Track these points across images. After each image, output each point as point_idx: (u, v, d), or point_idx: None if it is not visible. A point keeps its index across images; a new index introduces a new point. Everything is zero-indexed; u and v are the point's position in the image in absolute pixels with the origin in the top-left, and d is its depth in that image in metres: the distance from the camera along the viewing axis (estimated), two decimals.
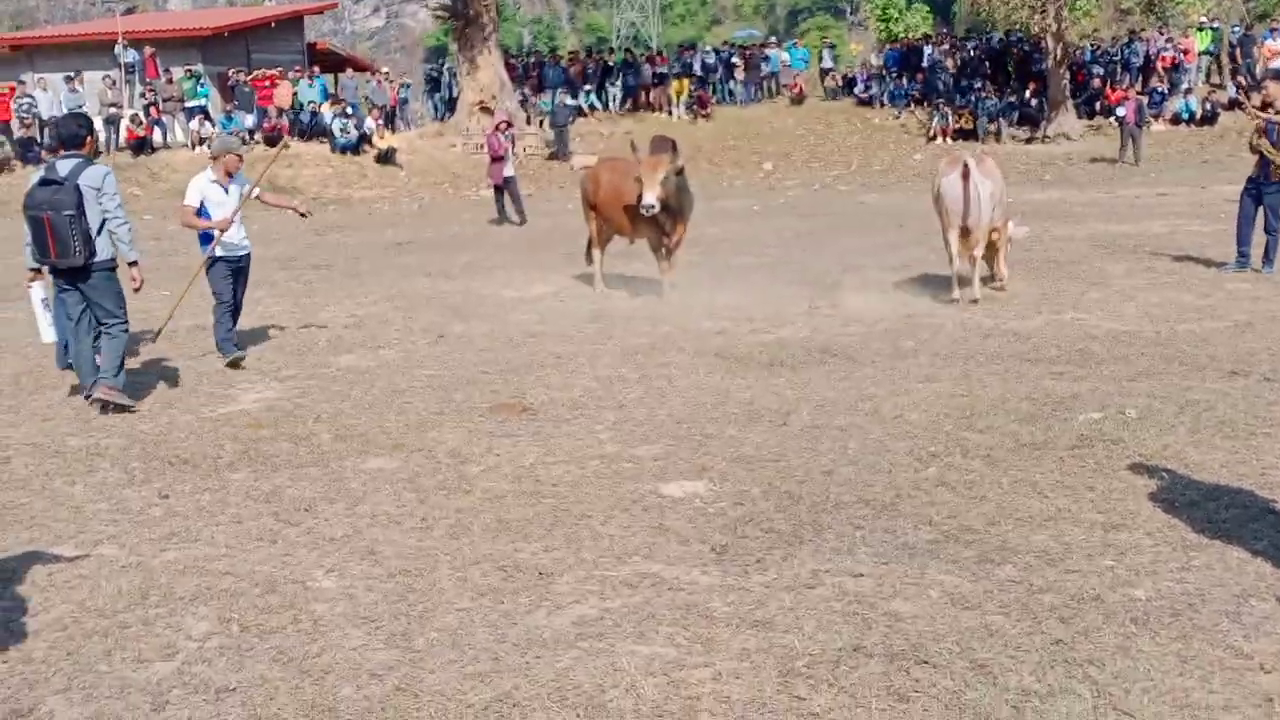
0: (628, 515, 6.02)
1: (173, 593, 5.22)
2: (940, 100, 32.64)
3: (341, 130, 29.96)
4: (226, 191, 9.71)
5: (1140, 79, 32.18)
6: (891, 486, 6.28)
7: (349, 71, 34.98)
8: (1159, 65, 32.05)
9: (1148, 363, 8.81)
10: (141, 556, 5.68)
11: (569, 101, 32.60)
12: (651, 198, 11.42)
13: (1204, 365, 8.64)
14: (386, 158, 30.09)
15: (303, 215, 10.91)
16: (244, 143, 10.98)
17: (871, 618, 4.70)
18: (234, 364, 9.65)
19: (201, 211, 9.66)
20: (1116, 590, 4.86)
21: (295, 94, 31.62)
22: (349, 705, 4.20)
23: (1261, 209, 12.56)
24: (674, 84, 34.86)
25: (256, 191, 10.26)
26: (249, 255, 10.11)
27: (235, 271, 9.90)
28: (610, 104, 35.28)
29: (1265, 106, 12.74)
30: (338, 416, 8.17)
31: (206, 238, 9.74)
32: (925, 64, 34.74)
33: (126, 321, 8.54)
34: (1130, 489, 6.10)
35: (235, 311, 9.99)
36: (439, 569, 5.40)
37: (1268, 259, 12.57)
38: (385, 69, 38.55)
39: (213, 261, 9.75)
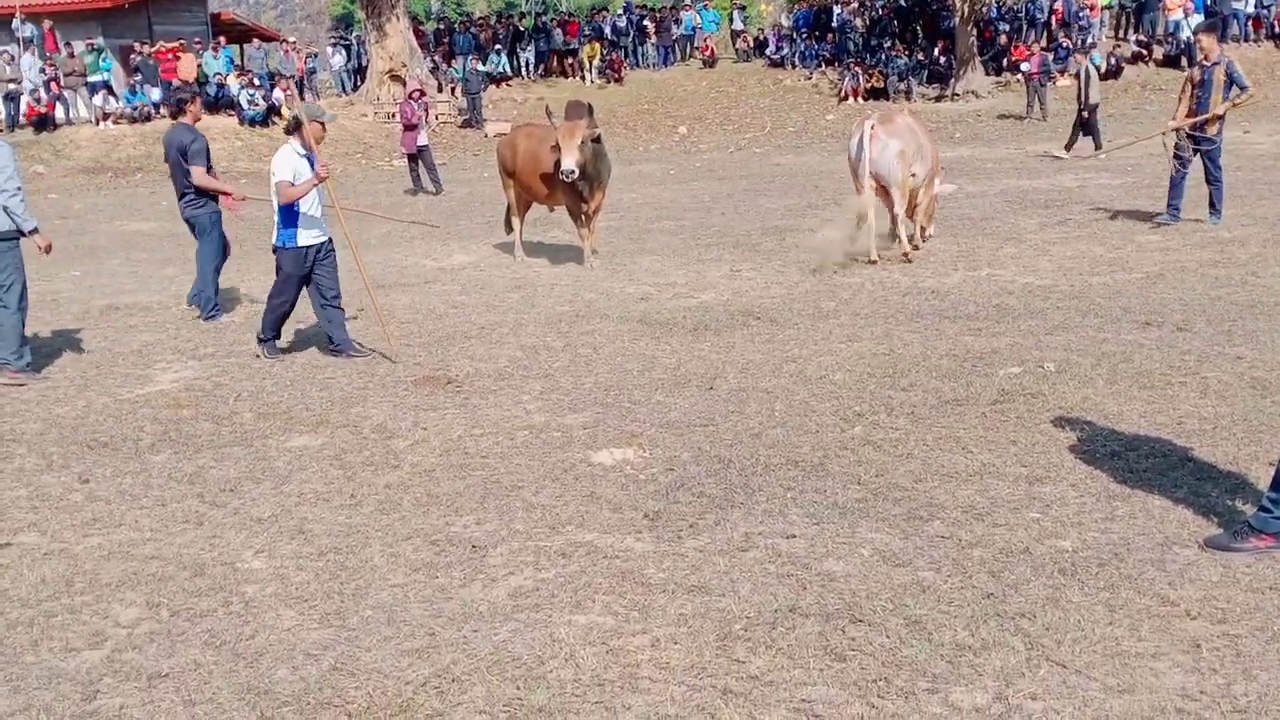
0: (559, 485, 6.01)
1: (98, 579, 5.12)
2: (851, 60, 32.91)
3: (249, 102, 29.41)
4: (311, 164, 8.86)
5: (1045, 35, 32.60)
6: (819, 447, 6.33)
7: (255, 42, 34.31)
8: (1059, 19, 32.46)
9: (1063, 316, 8.94)
10: (64, 543, 5.57)
11: (481, 68, 32.29)
12: (571, 163, 11.37)
13: (1118, 317, 8.79)
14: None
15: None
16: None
17: (805, 578, 4.74)
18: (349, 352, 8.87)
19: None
20: (1044, 542, 4.95)
21: (200, 66, 30.99)
22: (285, 687, 4.15)
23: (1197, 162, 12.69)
24: (586, 48, 34.68)
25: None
26: (331, 240, 9.07)
27: (318, 261, 8.90)
28: (523, 70, 35.01)
29: (1195, 60, 13.04)
30: (259, 394, 8.05)
31: (289, 222, 8.76)
32: (835, 24, 34.96)
33: (18, 297, 8.58)
34: (1052, 442, 6.20)
35: (337, 300, 9.01)
36: (370, 546, 5.35)
37: (1214, 209, 12.74)
38: (292, 38, 37.87)
39: (292, 250, 8.83)
